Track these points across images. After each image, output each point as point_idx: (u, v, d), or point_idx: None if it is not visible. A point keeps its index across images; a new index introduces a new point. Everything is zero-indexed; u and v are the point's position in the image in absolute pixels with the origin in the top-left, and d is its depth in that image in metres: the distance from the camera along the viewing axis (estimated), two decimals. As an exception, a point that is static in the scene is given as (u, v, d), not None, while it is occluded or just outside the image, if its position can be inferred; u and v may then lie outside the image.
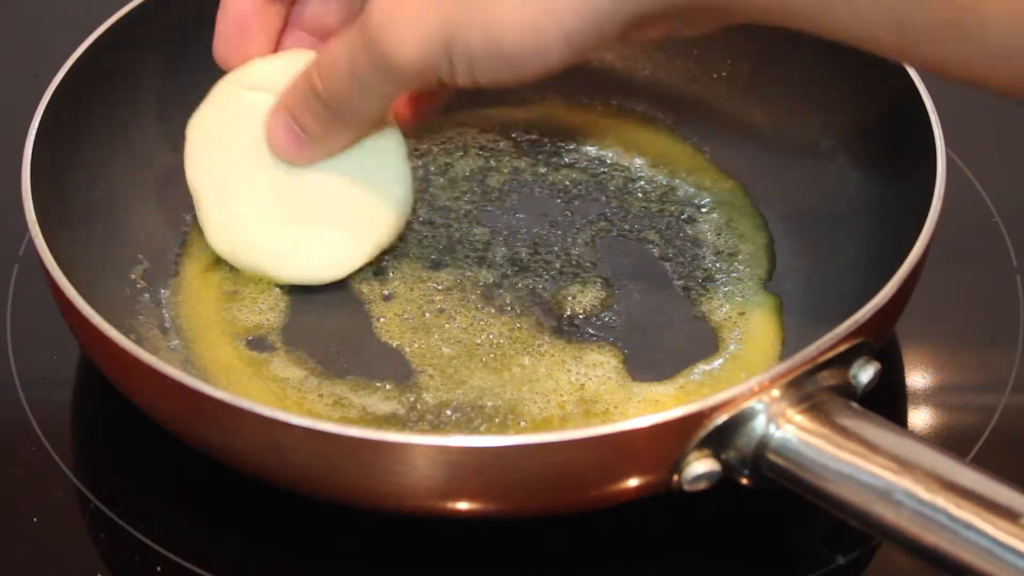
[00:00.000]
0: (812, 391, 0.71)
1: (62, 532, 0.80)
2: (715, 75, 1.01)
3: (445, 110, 0.93)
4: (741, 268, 0.90)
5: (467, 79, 0.72)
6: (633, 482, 0.72)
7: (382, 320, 0.87)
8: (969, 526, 0.64)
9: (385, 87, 0.76)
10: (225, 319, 0.87)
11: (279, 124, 0.82)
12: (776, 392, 0.70)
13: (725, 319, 0.87)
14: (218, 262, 0.89)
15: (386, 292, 0.88)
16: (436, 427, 0.81)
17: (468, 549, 0.78)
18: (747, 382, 0.70)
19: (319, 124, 0.81)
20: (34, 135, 0.84)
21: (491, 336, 0.86)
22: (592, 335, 0.86)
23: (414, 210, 0.91)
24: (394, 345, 0.86)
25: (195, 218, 0.89)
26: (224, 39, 0.85)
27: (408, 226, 0.91)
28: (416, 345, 0.85)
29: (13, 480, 0.83)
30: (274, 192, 0.87)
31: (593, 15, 0.69)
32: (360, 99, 0.78)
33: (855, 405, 0.71)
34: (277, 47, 0.87)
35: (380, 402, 0.82)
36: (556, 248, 0.91)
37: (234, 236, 0.87)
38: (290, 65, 0.84)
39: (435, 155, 0.98)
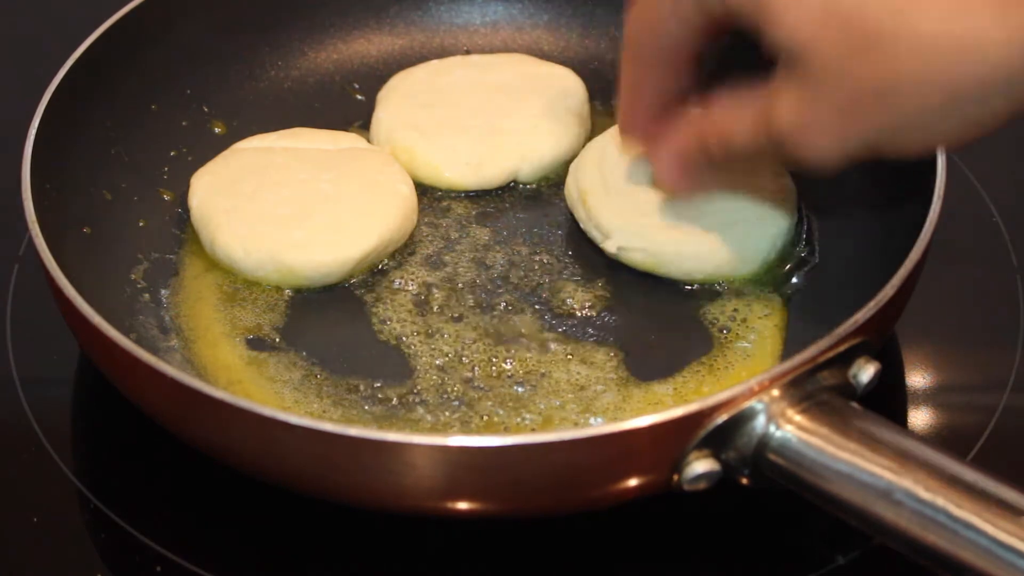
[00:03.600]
0: (812, 391, 0.71)
1: (62, 532, 0.80)
2: (715, 75, 1.01)
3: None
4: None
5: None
6: (633, 482, 0.72)
7: (382, 320, 0.87)
8: (969, 526, 0.64)
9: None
10: (225, 319, 0.87)
11: (672, 163, 0.82)
12: (776, 392, 0.70)
13: (725, 319, 0.87)
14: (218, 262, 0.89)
15: (386, 292, 0.88)
16: (436, 427, 0.81)
17: (468, 549, 0.78)
18: (747, 382, 0.70)
19: (710, 173, 0.83)
20: (34, 135, 0.84)
21: (491, 336, 0.86)
22: (592, 335, 0.86)
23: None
24: (394, 345, 0.86)
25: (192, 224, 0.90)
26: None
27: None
28: (416, 345, 0.85)
29: (13, 480, 0.83)
30: (281, 202, 0.89)
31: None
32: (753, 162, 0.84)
33: (855, 405, 0.71)
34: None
35: (380, 402, 0.82)
36: (556, 248, 0.91)
37: (248, 242, 0.88)
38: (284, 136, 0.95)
39: (435, 155, 0.98)
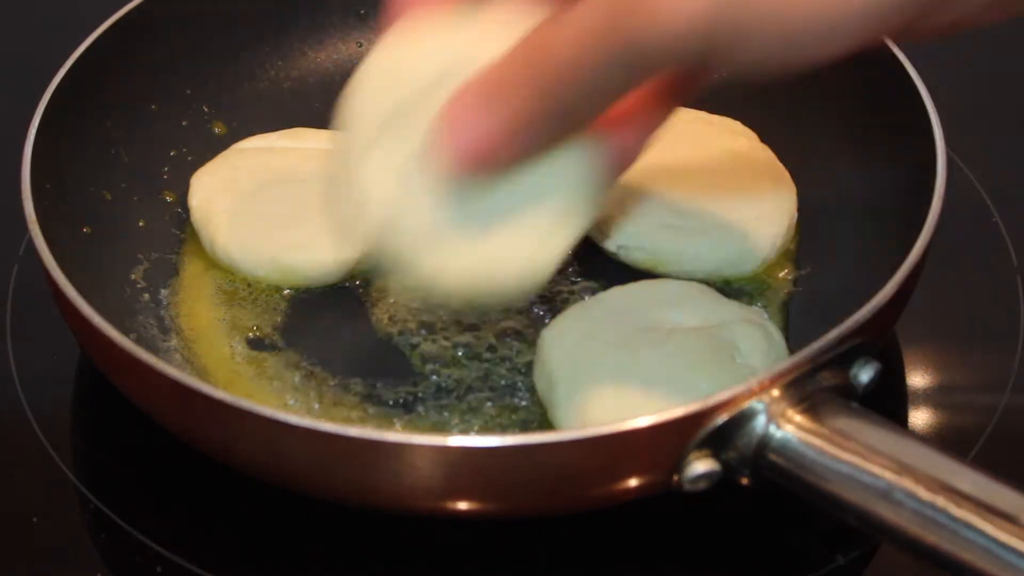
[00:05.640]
0: (812, 391, 0.71)
1: (62, 532, 0.80)
2: (715, 75, 1.01)
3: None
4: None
5: (729, 65, 0.61)
6: (633, 482, 0.72)
7: (382, 320, 0.87)
8: (969, 526, 0.64)
9: (626, 76, 0.61)
10: (225, 319, 0.87)
11: (465, 114, 0.63)
12: (776, 392, 0.70)
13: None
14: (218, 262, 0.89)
15: (386, 292, 0.88)
16: (436, 427, 0.81)
17: (468, 549, 0.78)
18: (747, 382, 0.70)
19: (521, 121, 0.62)
20: (34, 135, 0.84)
21: (492, 336, 0.86)
22: (592, 335, 0.86)
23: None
24: (394, 344, 0.86)
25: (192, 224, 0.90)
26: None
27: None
28: (416, 344, 0.85)
29: (13, 480, 0.83)
30: (281, 202, 0.90)
31: None
32: (590, 89, 0.61)
33: (855, 405, 0.71)
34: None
35: (380, 402, 0.82)
36: (556, 248, 0.91)
37: (247, 242, 0.88)
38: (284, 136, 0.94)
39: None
